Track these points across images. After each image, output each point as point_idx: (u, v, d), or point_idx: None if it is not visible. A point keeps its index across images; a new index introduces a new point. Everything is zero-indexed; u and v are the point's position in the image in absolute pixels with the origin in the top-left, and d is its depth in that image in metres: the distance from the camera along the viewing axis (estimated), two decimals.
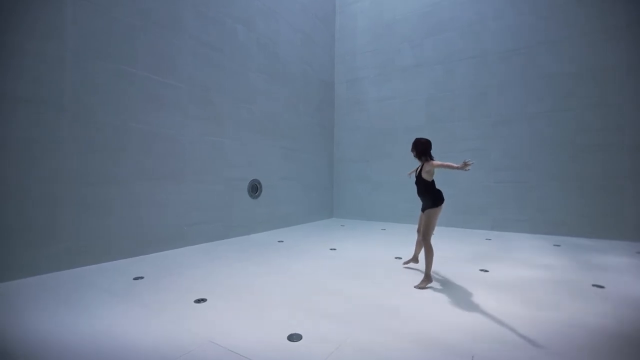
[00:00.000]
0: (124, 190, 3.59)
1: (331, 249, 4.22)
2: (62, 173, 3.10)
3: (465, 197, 6.05)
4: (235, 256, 3.80)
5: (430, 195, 2.91)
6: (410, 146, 3.15)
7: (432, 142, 3.03)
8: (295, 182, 6.45)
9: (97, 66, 3.34)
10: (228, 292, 2.57)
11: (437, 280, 2.94)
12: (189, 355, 1.64)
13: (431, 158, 2.96)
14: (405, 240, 4.83)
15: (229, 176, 4.93)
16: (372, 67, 7.24)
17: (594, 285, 2.81)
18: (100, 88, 3.37)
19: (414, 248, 3.47)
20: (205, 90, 4.54)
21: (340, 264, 3.48)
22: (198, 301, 2.37)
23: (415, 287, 2.74)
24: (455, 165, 2.62)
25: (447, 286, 2.79)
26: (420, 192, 3.00)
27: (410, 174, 3.40)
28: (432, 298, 2.50)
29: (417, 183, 3.01)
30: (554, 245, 4.56)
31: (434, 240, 3.04)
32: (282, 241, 4.76)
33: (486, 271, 3.24)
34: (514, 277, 3.05)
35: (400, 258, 3.73)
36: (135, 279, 2.90)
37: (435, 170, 2.93)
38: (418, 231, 3.25)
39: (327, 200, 7.62)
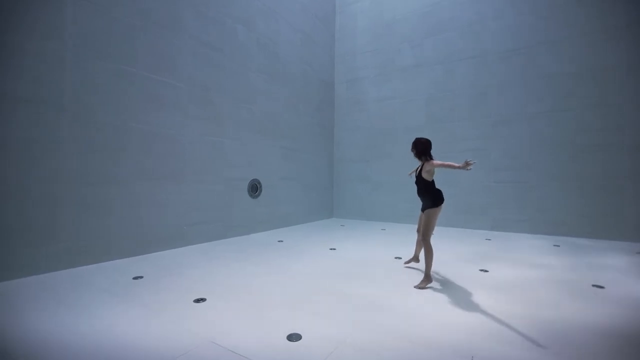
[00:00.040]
0: (124, 190, 3.59)
1: (331, 249, 4.22)
2: (62, 173, 3.10)
3: (465, 197, 6.05)
4: (235, 256, 3.80)
5: (430, 195, 2.91)
6: (410, 146, 3.15)
7: (432, 142, 3.03)
8: (295, 182, 6.46)
9: (97, 66, 3.34)
10: (228, 292, 2.57)
11: (437, 280, 2.94)
12: (188, 355, 1.64)
13: (431, 158, 2.96)
14: (405, 240, 4.83)
15: (229, 176, 4.93)
16: (372, 67, 7.24)
17: (594, 285, 2.81)
18: (100, 88, 3.37)
19: (414, 248, 3.47)
20: (205, 90, 4.54)
21: (340, 264, 3.48)
22: (198, 301, 2.37)
23: (415, 287, 2.74)
24: (456, 164, 2.61)
25: (447, 286, 2.79)
26: (420, 192, 3.00)
27: (410, 174, 3.40)
28: (432, 298, 2.50)
29: (417, 183, 3.01)
30: (554, 245, 4.56)
31: (433, 240, 3.05)
32: (282, 241, 4.76)
33: (486, 271, 3.24)
34: (514, 277, 3.05)
35: (400, 258, 3.73)
36: (135, 278, 2.90)
37: (436, 170, 2.93)
38: (418, 231, 3.25)
39: (327, 200, 7.62)
